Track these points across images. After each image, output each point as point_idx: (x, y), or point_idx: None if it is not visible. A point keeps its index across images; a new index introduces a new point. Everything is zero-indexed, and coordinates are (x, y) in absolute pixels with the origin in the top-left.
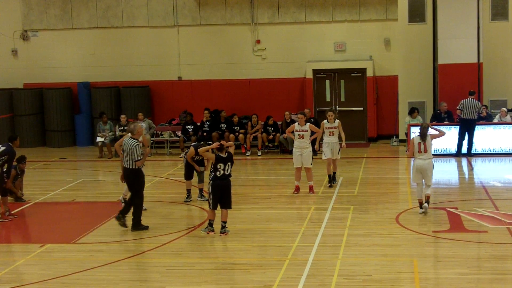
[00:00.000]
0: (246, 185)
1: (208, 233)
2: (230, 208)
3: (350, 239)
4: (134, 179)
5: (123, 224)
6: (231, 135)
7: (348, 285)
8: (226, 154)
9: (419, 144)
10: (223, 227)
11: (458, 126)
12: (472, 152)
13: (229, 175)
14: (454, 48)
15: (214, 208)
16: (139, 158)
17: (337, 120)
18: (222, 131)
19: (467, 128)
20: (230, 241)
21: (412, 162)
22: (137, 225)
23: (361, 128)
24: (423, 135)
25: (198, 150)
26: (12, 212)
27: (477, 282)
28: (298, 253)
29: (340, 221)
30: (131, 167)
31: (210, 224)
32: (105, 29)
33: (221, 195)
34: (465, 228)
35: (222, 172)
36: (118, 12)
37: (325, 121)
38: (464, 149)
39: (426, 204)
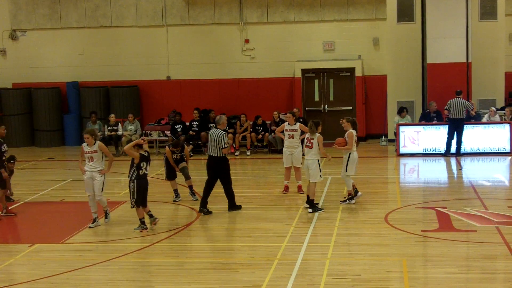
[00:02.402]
0: (235, 184)
1: (141, 231)
2: (146, 206)
3: (339, 239)
4: (220, 166)
5: (207, 212)
6: None
7: (337, 284)
8: (146, 152)
9: (356, 136)
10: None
11: (447, 126)
12: (461, 152)
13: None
14: (443, 48)
15: (139, 206)
16: (225, 146)
17: (317, 134)
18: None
19: (455, 127)
20: (219, 241)
21: (350, 156)
22: (234, 206)
23: None
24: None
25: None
26: (2, 214)
27: (466, 282)
28: (287, 252)
29: (329, 220)
30: (218, 155)
31: (143, 222)
32: (93, 29)
33: (144, 193)
34: (454, 227)
35: (144, 170)
36: (106, 12)
37: (307, 134)
38: (453, 149)
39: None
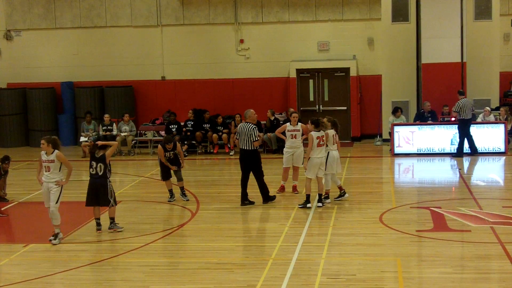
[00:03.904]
0: (229, 184)
1: (98, 231)
2: (107, 205)
3: (333, 239)
4: (253, 158)
5: (250, 203)
6: (215, 135)
7: (332, 284)
8: (100, 154)
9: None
10: (111, 223)
11: (459, 128)
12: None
13: (103, 175)
14: (437, 48)
15: (88, 205)
16: (256, 139)
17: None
18: (205, 130)
19: (468, 127)
20: (213, 241)
21: (329, 154)
22: (268, 198)
23: (345, 128)
24: None
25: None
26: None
27: (460, 282)
28: (281, 252)
29: (324, 220)
30: (249, 148)
31: (98, 224)
32: (88, 29)
33: (95, 193)
34: (449, 227)
35: (95, 170)
36: (101, 12)
37: (316, 133)
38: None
39: None
